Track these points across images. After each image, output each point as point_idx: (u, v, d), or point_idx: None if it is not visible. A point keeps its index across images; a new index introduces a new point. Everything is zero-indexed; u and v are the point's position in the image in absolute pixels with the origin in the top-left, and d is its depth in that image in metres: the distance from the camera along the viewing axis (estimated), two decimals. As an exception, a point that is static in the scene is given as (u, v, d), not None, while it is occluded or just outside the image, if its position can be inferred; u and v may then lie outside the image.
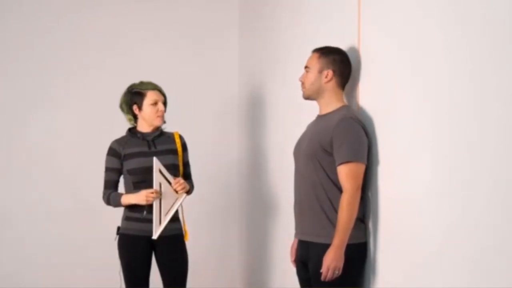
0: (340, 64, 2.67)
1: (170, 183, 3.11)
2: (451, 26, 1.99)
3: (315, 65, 2.68)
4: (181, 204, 3.20)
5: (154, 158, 3.08)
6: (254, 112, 4.14)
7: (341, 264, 2.46)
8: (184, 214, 3.30)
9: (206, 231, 4.39)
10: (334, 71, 2.65)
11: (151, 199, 3.05)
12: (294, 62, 3.40)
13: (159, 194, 3.06)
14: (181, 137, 3.31)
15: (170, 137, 3.29)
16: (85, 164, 4.21)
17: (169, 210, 3.12)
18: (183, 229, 3.28)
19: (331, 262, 2.45)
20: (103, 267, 4.13)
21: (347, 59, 2.69)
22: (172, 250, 3.22)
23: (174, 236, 3.22)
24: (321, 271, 2.47)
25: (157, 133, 3.25)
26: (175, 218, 3.23)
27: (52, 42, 4.20)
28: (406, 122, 2.28)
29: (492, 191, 1.79)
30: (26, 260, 4.16)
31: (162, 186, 3.09)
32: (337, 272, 2.46)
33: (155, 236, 3.07)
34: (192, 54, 4.44)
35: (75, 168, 4.23)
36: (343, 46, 2.80)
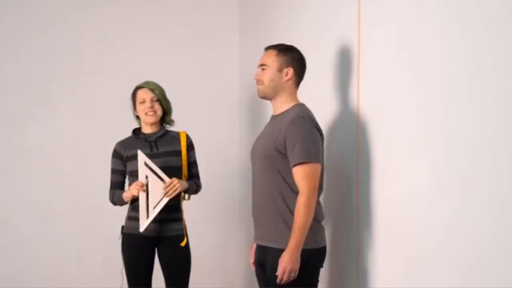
0: (299, 63, 2.61)
1: (160, 177, 3.09)
2: (451, 26, 1.99)
3: (274, 63, 2.57)
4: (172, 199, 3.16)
5: (139, 151, 3.08)
6: (255, 112, 4.15)
7: (297, 266, 2.40)
8: (185, 217, 3.29)
9: (207, 231, 4.40)
10: (294, 70, 2.58)
11: (135, 191, 3.04)
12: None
13: (144, 188, 3.05)
14: (187, 137, 3.29)
15: (175, 137, 3.28)
16: (85, 164, 4.21)
17: (157, 204, 3.08)
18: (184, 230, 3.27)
19: (287, 265, 2.39)
20: (104, 266, 4.14)
21: (303, 58, 2.64)
22: (174, 250, 3.21)
23: (177, 236, 3.21)
24: (276, 273, 2.41)
25: (160, 133, 3.25)
26: (179, 218, 3.23)
27: (53, 42, 4.20)
28: (405, 121, 2.28)
29: (491, 191, 1.79)
30: (26, 260, 4.16)
31: (150, 179, 3.07)
32: (293, 274, 2.40)
33: (141, 229, 3.07)
34: (192, 54, 4.44)
35: (75, 168, 4.23)
36: (343, 46, 2.80)
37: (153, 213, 3.07)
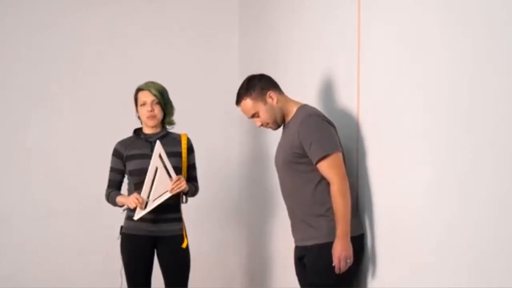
0: (264, 81, 2.72)
1: (169, 173, 3.11)
2: (451, 26, 1.99)
3: (256, 104, 2.68)
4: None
5: (157, 141, 3.10)
6: (254, 112, 4.14)
7: (350, 253, 2.48)
8: (184, 219, 3.29)
9: (207, 231, 4.40)
10: (270, 89, 2.69)
11: (133, 204, 3.07)
12: (294, 62, 3.41)
13: (142, 206, 3.08)
14: (188, 140, 3.30)
15: (176, 138, 3.28)
16: (85, 164, 4.21)
17: (157, 197, 3.10)
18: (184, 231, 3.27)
19: (341, 253, 2.46)
20: (104, 266, 4.13)
21: (260, 74, 2.75)
22: (174, 250, 3.22)
23: (177, 237, 3.22)
24: (333, 264, 2.47)
25: (161, 134, 3.25)
26: (178, 218, 3.24)
27: (53, 42, 4.20)
28: (405, 121, 2.28)
29: (491, 191, 1.79)
30: (26, 260, 4.16)
31: (158, 171, 3.09)
32: (348, 261, 2.48)
33: (136, 217, 3.10)
34: (192, 54, 4.44)
35: (75, 168, 4.23)
36: (343, 46, 2.80)
37: (151, 205, 3.10)
